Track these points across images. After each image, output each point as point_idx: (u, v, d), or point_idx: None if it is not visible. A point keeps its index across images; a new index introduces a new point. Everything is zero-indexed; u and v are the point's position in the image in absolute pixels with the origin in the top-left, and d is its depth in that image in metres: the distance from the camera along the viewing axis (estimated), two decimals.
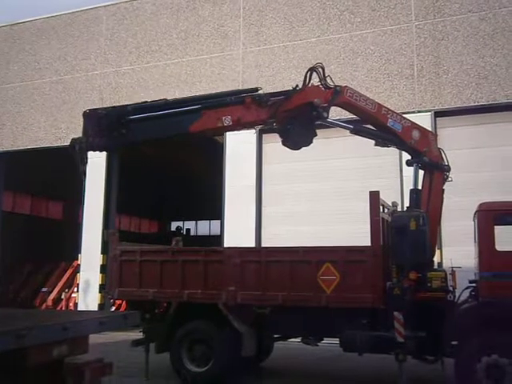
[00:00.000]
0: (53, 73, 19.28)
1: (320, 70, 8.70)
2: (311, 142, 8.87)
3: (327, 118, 8.73)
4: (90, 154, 18.12)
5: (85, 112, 8.29)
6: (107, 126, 8.06)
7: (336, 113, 9.09)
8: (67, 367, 4.79)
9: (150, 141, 8.55)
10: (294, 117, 8.66)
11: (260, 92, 8.79)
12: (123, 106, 8.41)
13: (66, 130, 18.56)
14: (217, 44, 16.92)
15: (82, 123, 18.53)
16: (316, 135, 8.90)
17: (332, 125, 9.10)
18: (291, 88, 8.77)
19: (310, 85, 8.72)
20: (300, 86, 8.72)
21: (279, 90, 9.01)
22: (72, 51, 19.15)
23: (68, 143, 18.51)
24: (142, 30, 18.12)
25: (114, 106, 8.28)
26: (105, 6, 18.95)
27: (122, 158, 18.06)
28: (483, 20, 13.98)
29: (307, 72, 8.74)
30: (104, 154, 17.69)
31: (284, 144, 8.96)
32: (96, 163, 17.68)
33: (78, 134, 18.48)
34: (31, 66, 19.71)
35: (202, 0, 17.38)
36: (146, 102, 8.74)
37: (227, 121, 8.38)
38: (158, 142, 8.77)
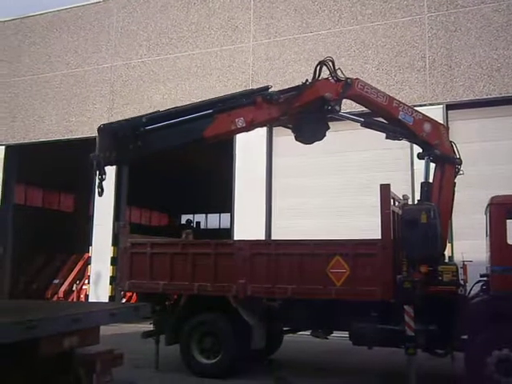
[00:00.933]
0: (64, 66, 19.36)
1: (330, 63, 8.66)
2: (324, 136, 8.86)
3: (339, 111, 8.71)
4: None
5: (99, 127, 8.29)
6: (123, 140, 8.03)
7: (347, 106, 9.05)
8: (78, 358, 4.85)
9: (167, 150, 8.54)
10: (306, 112, 8.65)
11: (270, 89, 8.77)
12: (137, 117, 8.37)
13: (77, 123, 18.66)
14: (227, 36, 16.88)
15: (92, 116, 18.64)
16: (329, 128, 8.88)
17: (343, 118, 9.06)
18: (301, 83, 8.75)
19: (319, 78, 8.68)
20: (310, 79, 8.69)
21: (289, 86, 8.97)
22: (83, 44, 19.21)
23: (79, 136, 18.75)
24: (153, 23, 18.12)
25: (127, 119, 8.27)
26: None
27: None
28: (496, 11, 13.81)
29: (317, 66, 8.71)
30: None
31: (297, 139, 8.96)
32: None
33: (89, 126, 18.66)
34: (42, 59, 19.79)
35: None
36: (159, 111, 8.71)
37: (240, 122, 8.39)
38: (174, 150, 8.73)
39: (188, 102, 16.87)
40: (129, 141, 7.99)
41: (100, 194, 8.13)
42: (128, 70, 18.26)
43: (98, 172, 8.03)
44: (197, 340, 9.05)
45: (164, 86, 17.54)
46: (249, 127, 8.59)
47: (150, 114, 8.53)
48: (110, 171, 17.56)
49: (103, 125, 8.32)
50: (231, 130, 8.54)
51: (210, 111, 8.34)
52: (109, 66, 18.61)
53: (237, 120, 8.37)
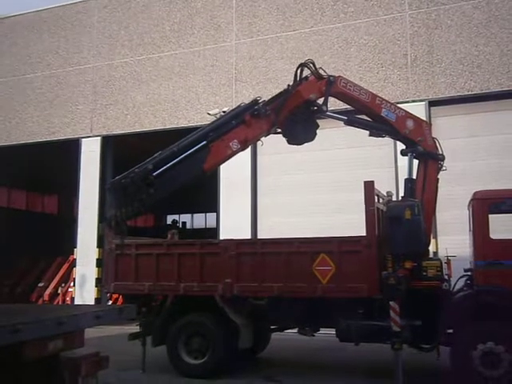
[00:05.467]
0: (45, 67, 19.16)
1: (311, 65, 8.70)
2: (315, 135, 8.92)
3: (327, 111, 8.76)
4: (85, 147, 18.05)
5: (108, 185, 8.29)
6: (135, 192, 8.00)
7: (330, 103, 9.08)
8: (63, 361, 4.80)
9: (178, 189, 8.50)
10: (295, 115, 8.69)
11: (260, 100, 8.79)
12: (143, 165, 8.28)
13: (60, 124, 18.49)
14: (210, 36, 16.84)
15: (74, 117, 18.44)
16: (318, 127, 8.94)
17: (326, 116, 9.09)
18: (283, 90, 8.78)
19: (301, 82, 8.70)
20: (292, 81, 8.73)
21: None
22: (64, 45, 19.03)
23: (62, 137, 18.58)
24: (135, 23, 18.01)
25: (133, 170, 8.24)
26: None
27: (117, 150, 18.03)
28: (476, 8, 13.95)
29: (297, 69, 8.73)
30: (98, 147, 17.71)
31: (290, 143, 9.02)
32: (90, 156, 17.68)
33: (72, 127, 18.48)
34: (23, 60, 19.58)
35: None
36: (160, 152, 8.61)
37: (235, 145, 8.42)
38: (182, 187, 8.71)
39: (172, 103, 16.92)
40: (141, 191, 7.99)
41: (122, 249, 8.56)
42: (110, 71, 18.13)
43: (119, 230, 8.11)
44: (184, 341, 9.01)
45: (147, 86, 17.45)
46: (244, 147, 8.61)
47: (154, 158, 8.41)
48: (95, 170, 17.55)
49: (112, 182, 8.28)
50: (228, 155, 8.54)
51: (204, 143, 8.35)
52: (91, 67, 18.46)
53: (231, 143, 8.40)
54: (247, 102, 8.99)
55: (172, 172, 8.25)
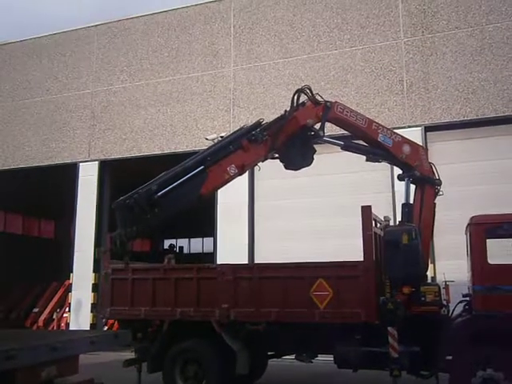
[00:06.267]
0: (44, 92, 19.30)
1: (307, 90, 8.79)
2: (312, 160, 8.96)
3: (324, 136, 8.81)
4: (82, 171, 18.03)
5: (113, 205, 8.35)
6: (140, 212, 8.05)
7: (327, 129, 9.16)
8: None
9: (181, 211, 8.51)
10: (292, 141, 8.74)
11: (261, 121, 8.89)
12: (146, 186, 8.31)
13: (57, 149, 18.54)
14: (208, 62, 17.02)
15: (72, 142, 18.50)
16: (315, 152, 8.97)
17: (323, 141, 9.14)
18: (280, 115, 8.83)
19: (298, 107, 8.77)
20: (289, 107, 8.80)
21: (270, 121, 8.99)
22: (63, 70, 19.19)
23: (59, 162, 18.58)
24: (133, 49, 18.21)
25: (137, 191, 8.24)
26: (96, 26, 19.06)
27: (114, 175, 18.04)
28: (471, 36, 14.17)
29: (294, 94, 8.82)
30: (95, 171, 17.72)
31: (287, 168, 9.06)
32: (87, 181, 17.68)
33: (69, 152, 18.50)
34: (22, 85, 19.72)
35: (193, 19, 17.54)
36: (165, 172, 8.64)
37: (232, 170, 8.47)
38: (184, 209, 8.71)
39: (169, 128, 17.02)
40: (146, 211, 8.02)
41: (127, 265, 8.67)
42: (109, 96, 18.26)
43: (123, 250, 8.19)
44: (180, 367, 8.90)
45: (145, 111, 17.56)
46: (241, 172, 8.65)
47: (158, 178, 8.44)
48: (92, 195, 17.52)
49: (117, 203, 8.29)
50: (226, 180, 8.57)
51: (202, 167, 8.39)
52: (90, 92, 18.60)
53: (228, 168, 8.45)
54: (249, 125, 9.04)
55: (176, 193, 8.26)
